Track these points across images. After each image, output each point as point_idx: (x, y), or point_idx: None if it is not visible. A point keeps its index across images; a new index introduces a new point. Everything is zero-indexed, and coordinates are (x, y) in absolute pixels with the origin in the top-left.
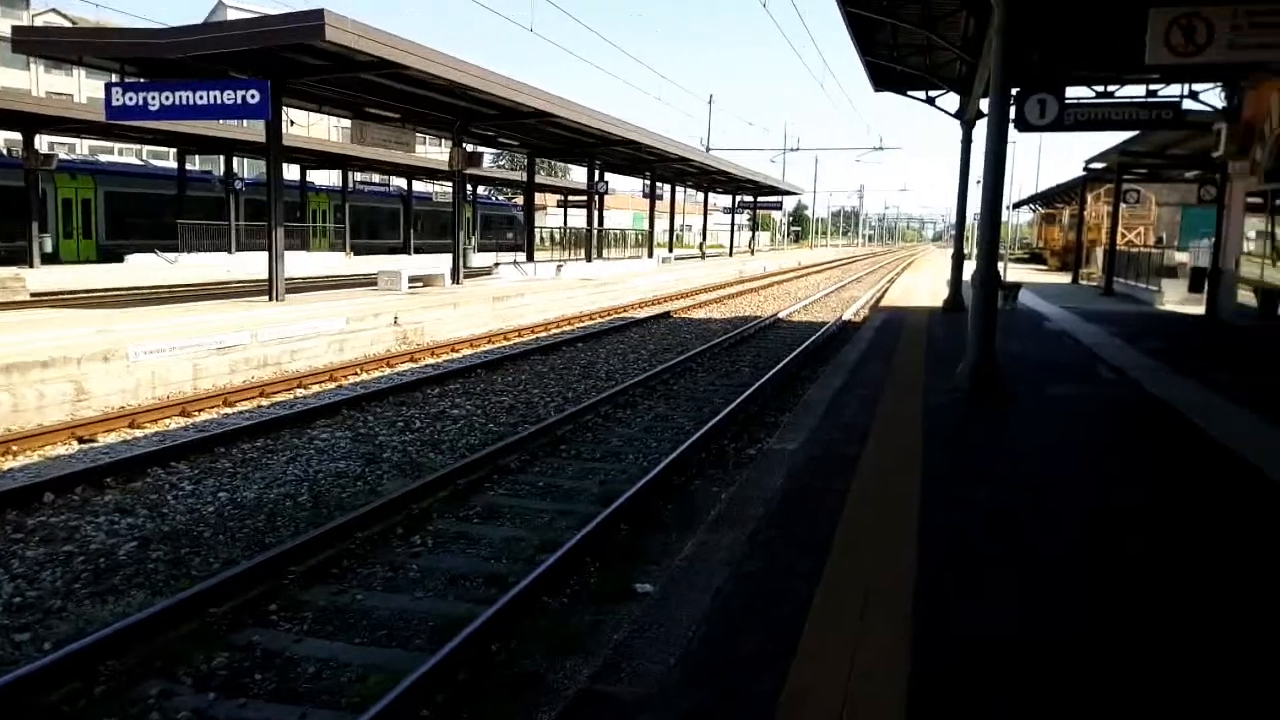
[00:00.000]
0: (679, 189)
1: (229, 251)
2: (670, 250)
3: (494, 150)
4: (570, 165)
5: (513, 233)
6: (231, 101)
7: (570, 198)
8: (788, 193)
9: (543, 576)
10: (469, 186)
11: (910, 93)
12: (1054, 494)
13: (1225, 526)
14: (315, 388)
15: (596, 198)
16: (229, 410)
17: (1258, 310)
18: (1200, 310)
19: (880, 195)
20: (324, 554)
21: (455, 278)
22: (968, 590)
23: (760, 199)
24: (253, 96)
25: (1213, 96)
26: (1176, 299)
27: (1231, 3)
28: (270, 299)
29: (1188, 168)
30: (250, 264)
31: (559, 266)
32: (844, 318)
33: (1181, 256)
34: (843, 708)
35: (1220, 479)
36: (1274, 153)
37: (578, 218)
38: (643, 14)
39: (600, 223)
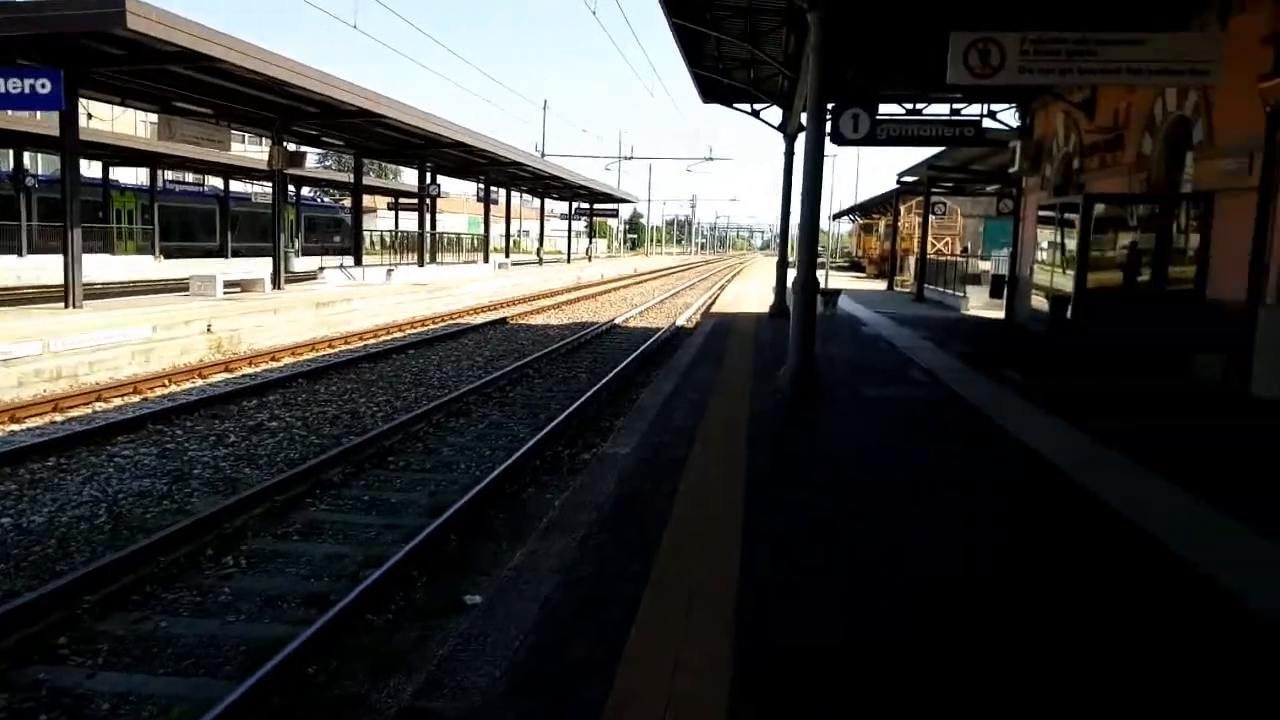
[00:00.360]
0: (515, 194)
1: (20, 254)
2: (507, 256)
3: (320, 150)
4: (402, 167)
5: (340, 236)
6: (19, 91)
7: (402, 200)
8: (623, 200)
9: (366, 593)
10: (292, 187)
11: (736, 105)
12: (870, 494)
13: (1025, 515)
14: (117, 401)
15: (428, 201)
16: (16, 427)
17: (1049, 315)
18: (1001, 315)
19: (712, 204)
20: (123, 580)
21: (276, 283)
22: (789, 594)
23: (596, 206)
24: (44, 86)
25: (1009, 116)
26: (980, 304)
27: (1020, 30)
28: (66, 305)
29: (989, 182)
30: (45, 268)
31: (389, 271)
32: (677, 323)
33: (984, 265)
34: (665, 711)
35: (1017, 473)
36: (1061, 169)
37: (410, 221)
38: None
39: (433, 226)
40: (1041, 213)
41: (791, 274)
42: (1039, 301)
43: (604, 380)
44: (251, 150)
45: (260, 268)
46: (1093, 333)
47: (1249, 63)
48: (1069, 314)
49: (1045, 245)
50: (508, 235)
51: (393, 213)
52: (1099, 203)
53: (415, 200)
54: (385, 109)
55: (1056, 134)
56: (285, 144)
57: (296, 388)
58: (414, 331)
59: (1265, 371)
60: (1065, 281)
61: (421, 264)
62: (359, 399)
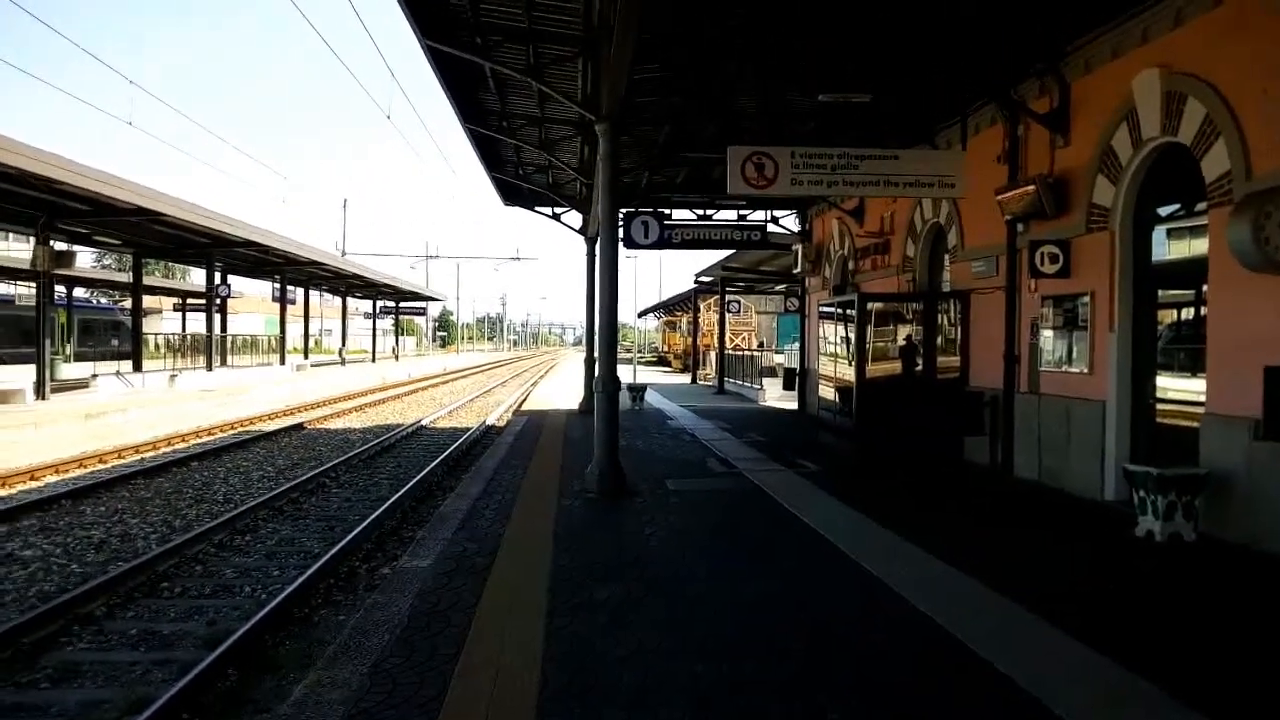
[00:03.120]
0: (316, 293)
1: None
2: (306, 356)
3: (94, 249)
4: (191, 266)
5: (119, 340)
6: None
7: (190, 301)
8: (430, 298)
9: None
10: (63, 288)
11: (538, 209)
12: (669, 585)
13: (816, 589)
14: None
15: (218, 300)
16: None
17: (836, 405)
18: (794, 405)
19: (524, 302)
20: None
21: (40, 392)
22: (591, 696)
23: (402, 304)
24: None
25: (791, 221)
26: (775, 396)
27: (789, 145)
28: None
29: (777, 281)
30: None
31: (173, 376)
32: (487, 422)
33: (779, 358)
34: None
35: (807, 553)
36: (839, 270)
37: (199, 323)
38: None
39: (224, 328)
40: (823, 309)
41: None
42: (827, 391)
43: (407, 487)
44: (17, 248)
45: (22, 376)
46: (875, 420)
47: (989, 176)
48: (853, 403)
49: (829, 339)
50: (306, 335)
51: (179, 314)
52: (872, 301)
53: (204, 300)
54: (165, 207)
55: (833, 238)
56: (52, 242)
57: (58, 510)
58: (199, 442)
59: (1023, 454)
60: (848, 373)
61: (210, 368)
62: (131, 520)
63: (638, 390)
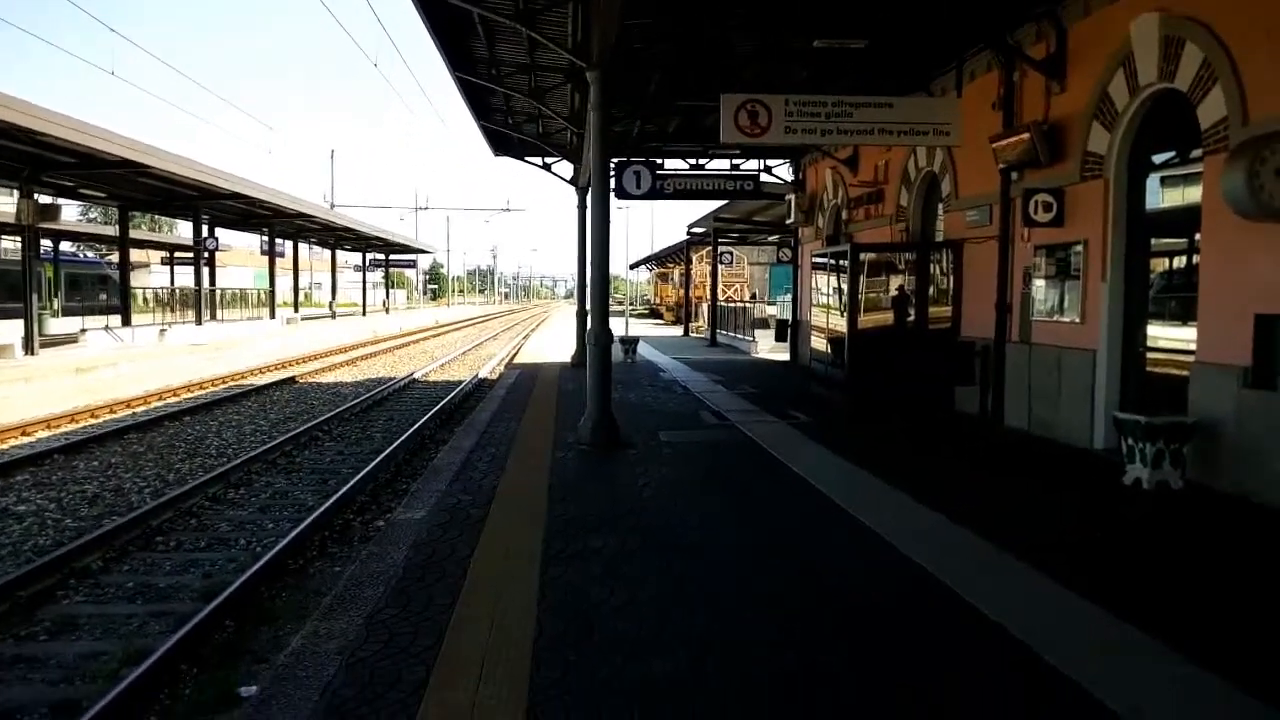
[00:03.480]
0: (306, 246)
1: None
2: (296, 310)
3: (81, 202)
4: (179, 220)
5: (108, 294)
6: None
7: (178, 255)
8: (420, 251)
9: (123, 695)
10: (49, 242)
11: (528, 159)
12: (663, 535)
13: (807, 538)
14: None
15: (206, 254)
16: None
17: (828, 355)
18: (786, 356)
19: (515, 254)
20: None
21: (29, 347)
22: (585, 645)
23: (393, 257)
24: None
25: (784, 171)
26: (768, 348)
27: (783, 93)
28: None
29: (770, 232)
30: None
31: (162, 331)
32: (480, 375)
33: (771, 309)
34: None
35: (798, 503)
36: (832, 220)
37: (188, 276)
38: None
39: (213, 281)
40: (815, 260)
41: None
42: (819, 343)
43: (400, 440)
44: (2, 201)
45: (10, 331)
46: (866, 370)
47: (983, 124)
48: (845, 354)
49: (821, 290)
50: (296, 289)
51: (168, 268)
52: (865, 251)
53: (192, 254)
54: (150, 159)
55: (826, 188)
56: (37, 196)
57: (51, 465)
58: (190, 396)
59: (1013, 403)
60: (840, 324)
61: (199, 322)
62: (124, 474)
63: (630, 343)
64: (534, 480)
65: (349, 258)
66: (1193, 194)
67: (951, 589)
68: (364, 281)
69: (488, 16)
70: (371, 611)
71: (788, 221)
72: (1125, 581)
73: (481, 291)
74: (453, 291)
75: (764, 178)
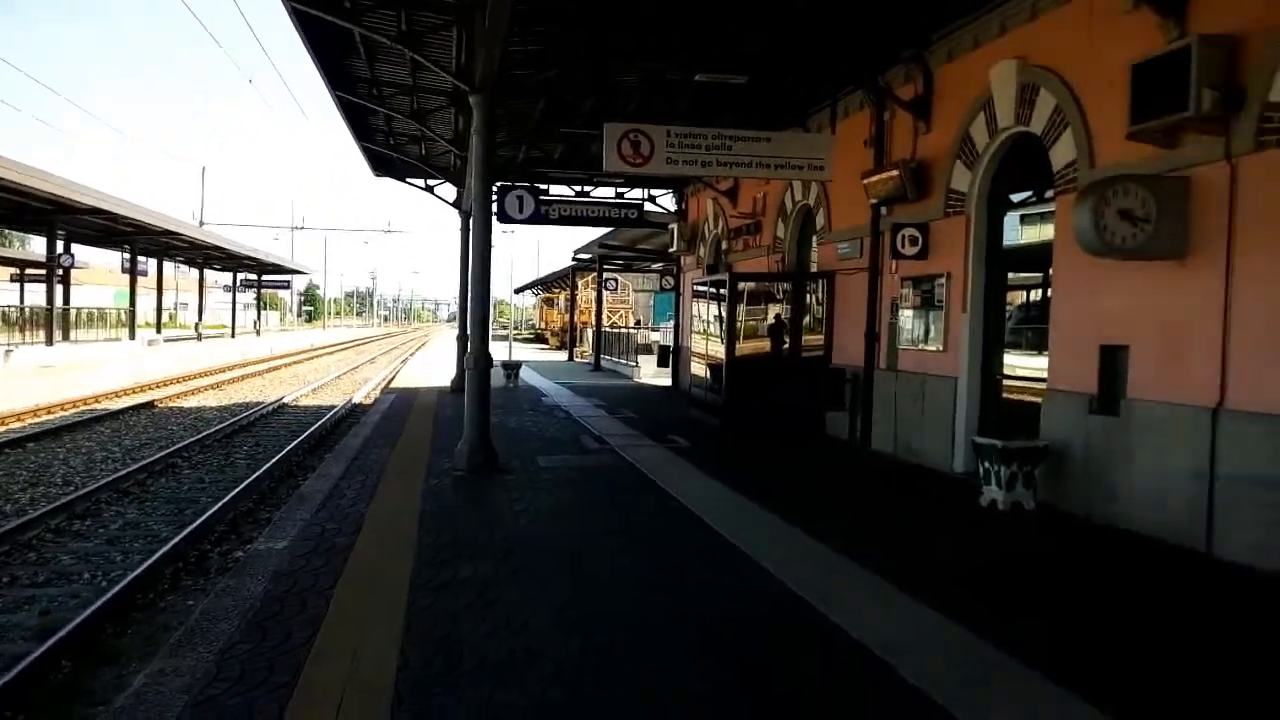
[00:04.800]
0: (172, 265)
1: None
2: (159, 331)
3: None
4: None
5: None
6: None
7: (29, 271)
8: (295, 271)
9: None
10: None
11: (410, 180)
12: (537, 561)
13: (682, 561)
14: None
15: (60, 270)
16: None
17: (709, 381)
18: (668, 382)
19: (396, 276)
20: None
21: None
22: (453, 675)
23: (265, 277)
24: None
25: (668, 200)
26: (651, 373)
27: (665, 124)
28: None
29: (655, 260)
30: None
31: (8, 351)
32: (354, 400)
33: (655, 335)
34: None
35: (674, 526)
36: (713, 249)
37: (41, 294)
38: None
39: (67, 300)
40: (696, 288)
41: None
42: (699, 369)
43: (265, 467)
44: None
45: None
46: (743, 396)
47: (856, 161)
48: (723, 380)
49: (702, 317)
50: (159, 309)
51: (18, 285)
52: (743, 280)
53: (44, 270)
54: None
55: (708, 218)
56: None
57: None
58: (36, 421)
59: (880, 428)
60: (719, 350)
61: (50, 342)
62: None
63: (512, 367)
64: (405, 508)
65: (219, 277)
66: (1046, 231)
67: (823, 614)
68: (234, 302)
69: (369, 36)
70: (224, 647)
71: (671, 250)
72: (978, 597)
73: (360, 314)
74: (329, 314)
75: (648, 206)
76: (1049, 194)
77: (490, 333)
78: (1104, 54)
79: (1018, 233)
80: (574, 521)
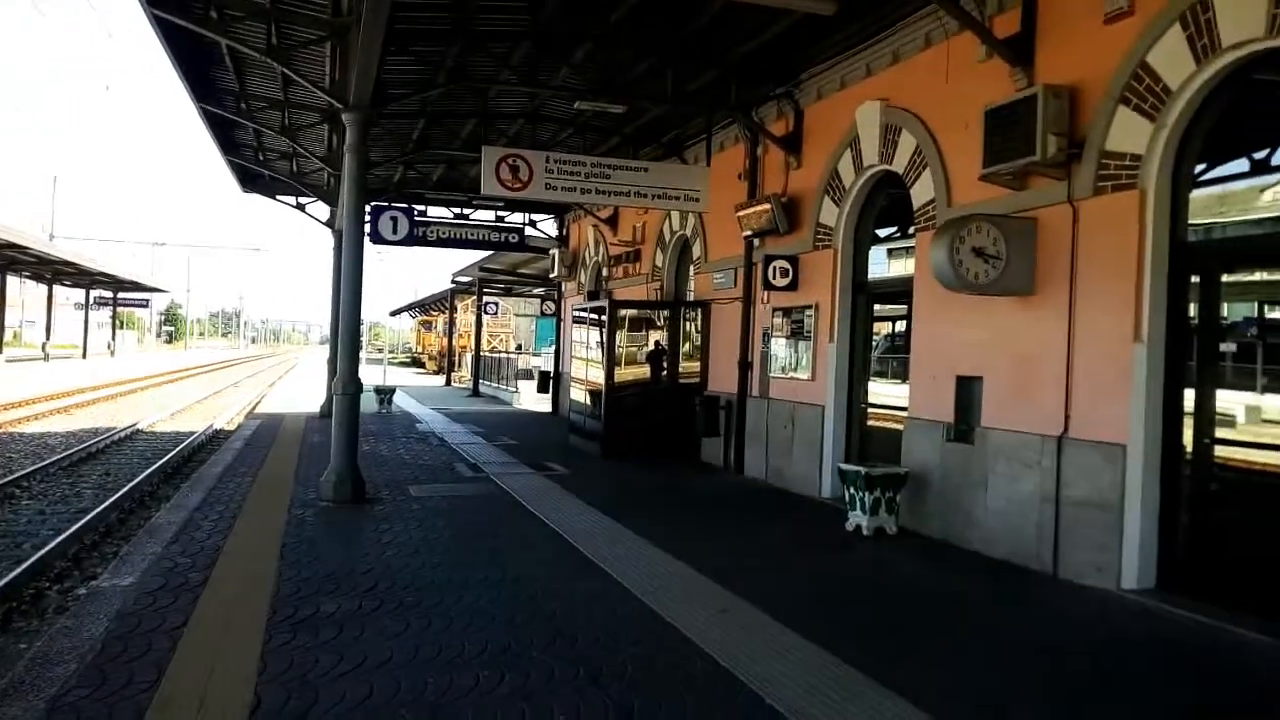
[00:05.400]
0: (17, 279)
1: None
2: (0, 350)
3: None
4: None
5: None
6: None
7: None
8: (154, 289)
9: None
10: None
11: (280, 198)
12: (404, 595)
13: (555, 593)
14: None
15: None
16: None
17: (588, 407)
18: (548, 408)
19: (265, 297)
20: None
21: None
22: (307, 717)
23: (122, 295)
24: None
25: (550, 225)
26: (530, 399)
27: (544, 150)
28: None
29: (536, 284)
30: None
31: None
32: (215, 426)
33: (536, 361)
34: None
35: (549, 557)
36: (593, 276)
37: None
38: None
39: None
40: (576, 314)
41: None
42: (579, 395)
43: (114, 497)
44: None
45: None
46: (622, 422)
47: (731, 193)
48: (602, 406)
49: (582, 343)
50: (0, 327)
51: None
52: (622, 307)
53: None
54: None
55: (588, 245)
56: None
57: None
58: None
59: (753, 455)
60: (598, 377)
61: None
62: None
63: (386, 392)
64: (265, 540)
65: (71, 294)
66: (909, 265)
67: (689, 638)
68: (85, 320)
69: (237, 49)
70: (57, 694)
71: (551, 275)
72: (839, 620)
73: (225, 335)
74: (192, 334)
75: (529, 231)
76: (911, 230)
77: (363, 356)
78: (960, 99)
79: (884, 266)
80: (443, 553)
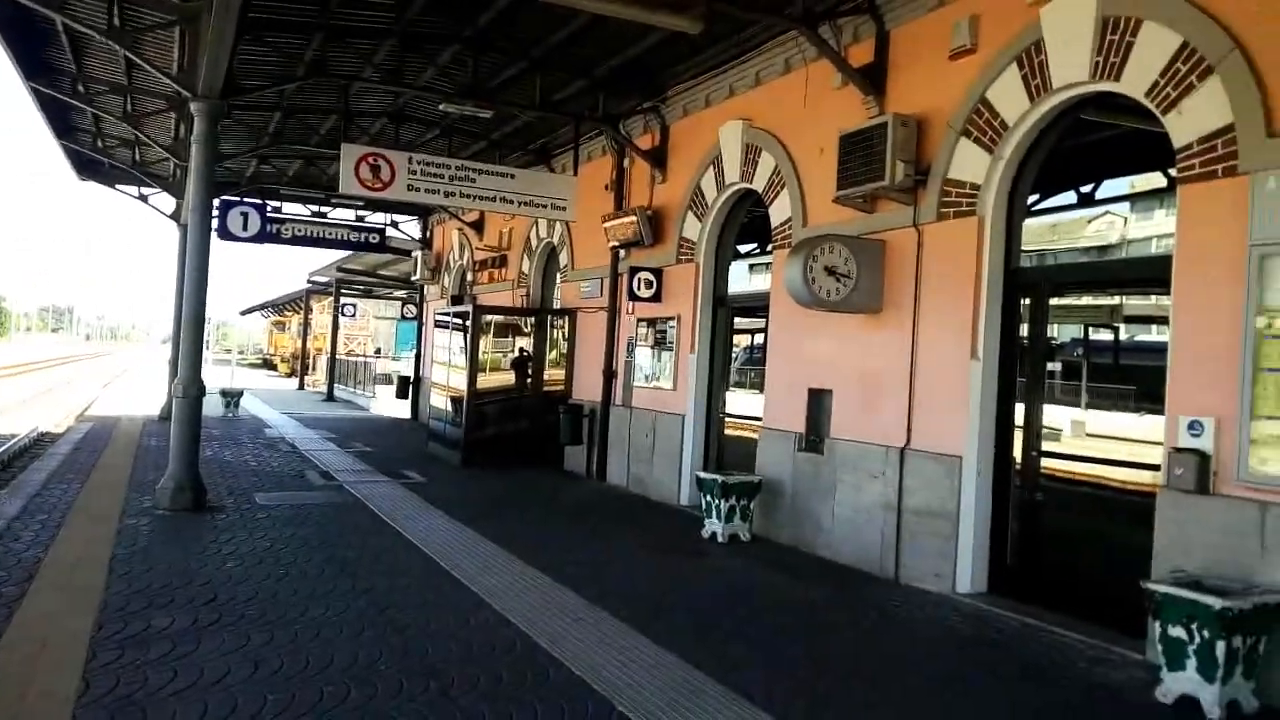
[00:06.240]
0: None
1: None
2: None
3: None
4: None
5: None
6: None
7: None
8: None
9: None
10: None
11: (121, 187)
12: (245, 609)
13: (408, 604)
14: None
15: None
16: None
17: (449, 413)
18: (407, 413)
19: (102, 291)
20: None
21: None
22: None
23: None
24: None
25: (413, 227)
26: (389, 404)
27: (407, 150)
28: None
29: (398, 287)
30: None
31: None
32: (41, 429)
33: (396, 365)
34: None
35: (402, 566)
36: (458, 280)
37: None
38: None
39: None
40: (439, 319)
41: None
42: (439, 401)
43: None
44: None
45: None
46: (484, 429)
47: (598, 204)
48: (463, 413)
49: (444, 349)
50: None
51: None
52: (487, 313)
53: None
54: None
55: (453, 248)
56: None
57: None
58: None
59: (615, 463)
60: (461, 383)
61: None
62: None
63: (233, 395)
64: (93, 552)
65: None
66: (768, 281)
67: (546, 649)
68: None
69: (74, 27)
70: None
71: (414, 278)
72: (693, 626)
73: (56, 330)
74: (19, 329)
75: (391, 232)
76: (770, 247)
77: (209, 357)
78: (817, 124)
79: (745, 281)
80: (289, 565)
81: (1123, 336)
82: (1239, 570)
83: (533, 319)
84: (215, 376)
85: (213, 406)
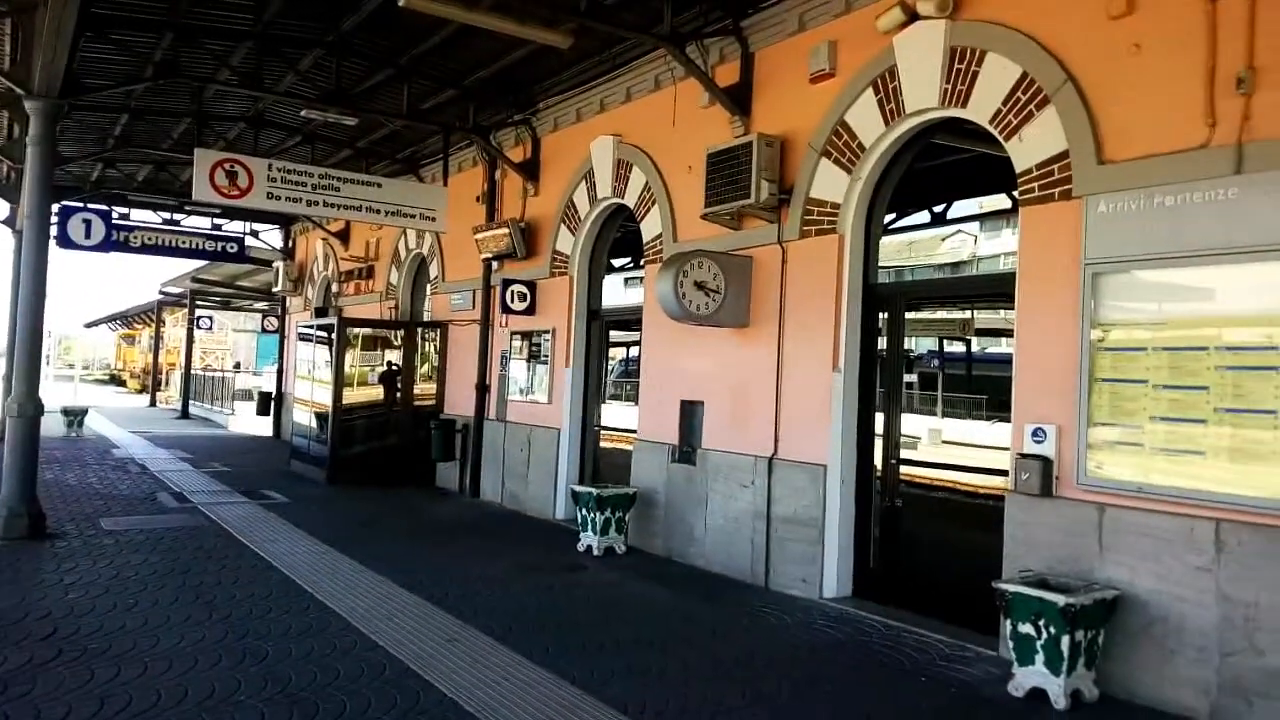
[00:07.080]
0: None
1: None
2: None
3: None
4: None
5: None
6: None
7: None
8: None
9: None
10: None
11: None
12: (89, 643)
13: (270, 631)
14: None
15: None
16: None
17: (314, 430)
18: (269, 431)
19: None
20: None
21: None
22: None
23: None
24: None
25: (274, 236)
26: (249, 421)
27: (266, 157)
28: None
29: (258, 299)
30: None
31: None
32: None
33: (257, 380)
34: None
35: (263, 592)
36: (322, 292)
37: None
38: None
39: None
40: (302, 331)
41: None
42: (303, 417)
43: None
44: None
45: None
46: (350, 446)
47: (469, 215)
48: (329, 429)
49: (308, 363)
50: None
51: None
52: (352, 326)
53: None
54: None
55: (317, 259)
56: None
57: None
58: None
59: (489, 479)
60: (326, 398)
61: None
62: None
63: (76, 414)
64: None
65: None
66: (640, 295)
67: (417, 672)
68: None
69: None
70: None
71: (275, 289)
72: (567, 643)
73: None
74: None
75: (251, 242)
76: (642, 261)
77: (48, 373)
78: (686, 141)
79: (619, 294)
80: (141, 593)
81: (974, 348)
82: (1080, 568)
83: (402, 332)
84: (56, 394)
85: (53, 426)
